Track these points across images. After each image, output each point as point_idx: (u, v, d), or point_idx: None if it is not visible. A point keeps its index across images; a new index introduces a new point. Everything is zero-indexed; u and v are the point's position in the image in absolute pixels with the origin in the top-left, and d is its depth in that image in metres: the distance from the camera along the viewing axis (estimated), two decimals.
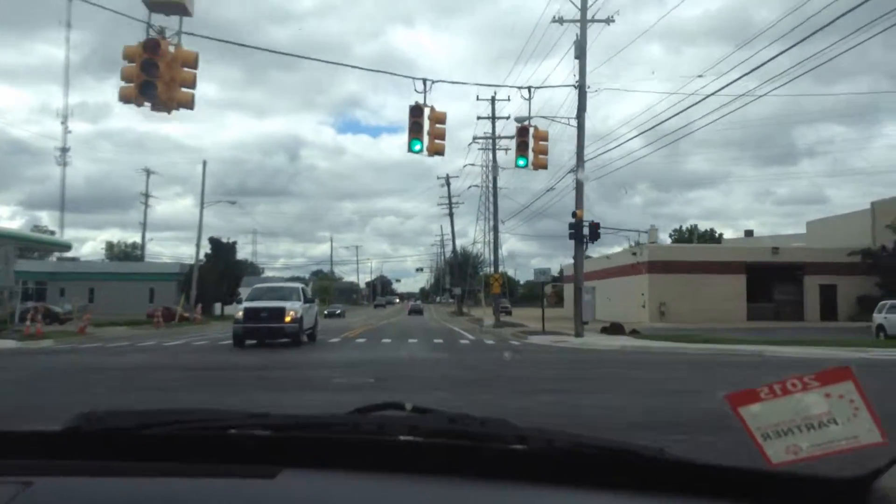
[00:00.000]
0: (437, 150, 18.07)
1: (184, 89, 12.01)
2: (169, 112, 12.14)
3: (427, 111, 17.82)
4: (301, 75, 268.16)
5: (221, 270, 63.75)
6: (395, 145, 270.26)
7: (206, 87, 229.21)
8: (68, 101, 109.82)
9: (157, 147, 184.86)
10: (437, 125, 17.94)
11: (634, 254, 46.94)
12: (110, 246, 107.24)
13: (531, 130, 20.71)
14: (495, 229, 46.27)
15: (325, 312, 60.56)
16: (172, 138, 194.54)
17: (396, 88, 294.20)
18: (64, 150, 65.48)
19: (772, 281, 44.85)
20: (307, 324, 21.42)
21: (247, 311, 20.27)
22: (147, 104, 11.98)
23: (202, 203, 51.48)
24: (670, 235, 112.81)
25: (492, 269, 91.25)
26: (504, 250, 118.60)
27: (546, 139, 20.99)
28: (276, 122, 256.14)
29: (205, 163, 53.26)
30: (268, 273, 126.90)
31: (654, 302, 43.55)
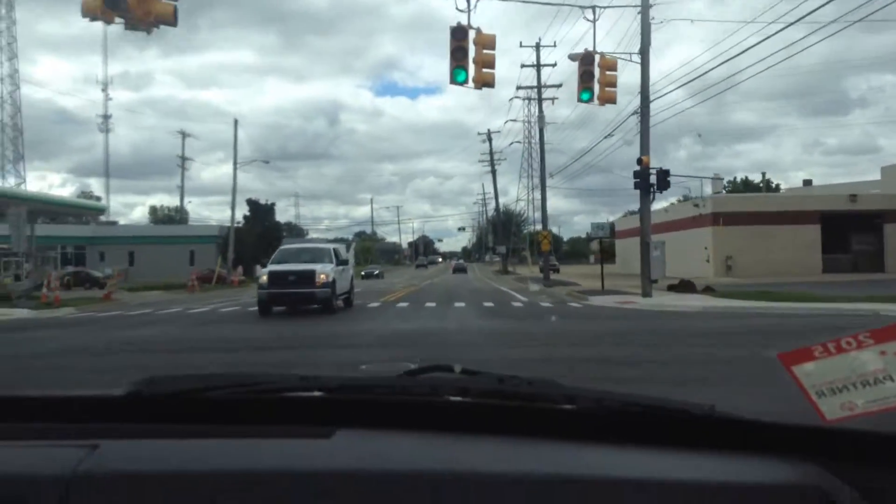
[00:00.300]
0: (485, 81, 15.24)
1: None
2: (148, 32, 9.65)
3: (472, 34, 14.94)
4: (338, 39, 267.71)
5: (260, 232, 62.28)
6: (433, 106, 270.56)
7: (243, 54, 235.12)
8: (108, 70, 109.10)
9: (199, 114, 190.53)
10: (485, 51, 15.08)
11: (697, 205, 43.53)
12: (153, 210, 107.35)
13: (597, 58, 17.62)
14: (542, 184, 43.16)
15: (363, 273, 58.81)
16: (213, 105, 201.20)
17: (433, 48, 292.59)
18: (106, 116, 64.63)
19: (848, 230, 41.05)
20: (341, 288, 19.02)
21: (272, 274, 17.81)
22: (120, 21, 9.43)
23: (235, 163, 49.63)
24: (725, 187, 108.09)
25: (536, 226, 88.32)
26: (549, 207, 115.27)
27: (614, 69, 17.95)
28: (314, 87, 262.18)
29: (236, 121, 51.44)
30: (311, 235, 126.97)
31: (719, 256, 40.20)
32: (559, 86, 44.35)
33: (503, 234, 73.38)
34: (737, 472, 1.04)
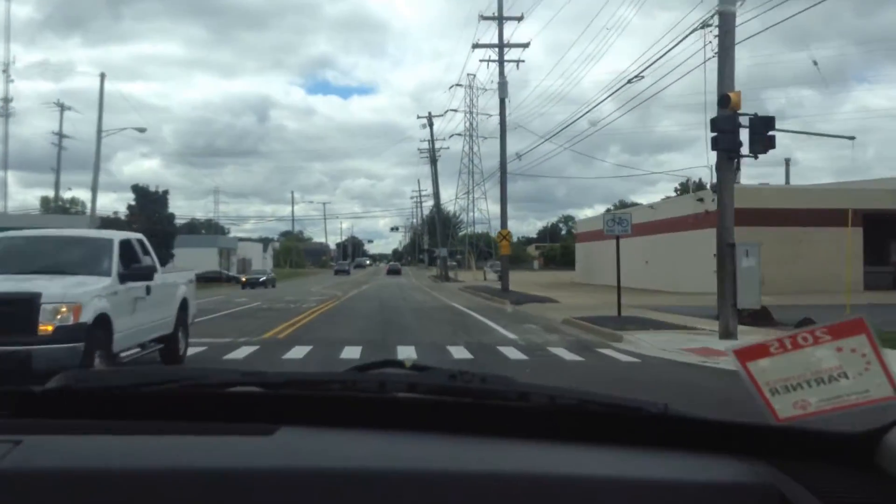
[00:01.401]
0: None
1: None
2: None
3: None
4: (270, 35, 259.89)
5: (146, 226, 50.28)
6: (366, 106, 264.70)
7: (171, 46, 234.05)
8: (9, 49, 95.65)
9: (122, 106, 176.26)
10: None
11: (701, 199, 34.34)
12: (45, 201, 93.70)
13: None
14: (503, 169, 33.29)
15: (245, 280, 48.08)
16: (137, 97, 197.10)
17: (367, 48, 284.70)
18: (6, 100, 52.28)
19: (889, 236, 32.67)
20: (137, 329, 8.30)
21: None
22: None
23: (99, 132, 37.78)
24: (676, 190, 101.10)
25: (476, 227, 78.38)
26: (480, 212, 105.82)
27: None
28: (244, 83, 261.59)
29: (103, 75, 39.63)
30: (232, 234, 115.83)
31: None
32: (527, 45, 34.29)
33: (442, 235, 63.14)
34: (690, 471, 1.04)
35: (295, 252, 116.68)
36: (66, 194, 71.23)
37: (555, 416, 1.15)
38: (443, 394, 1.18)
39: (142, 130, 44.08)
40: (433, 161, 58.13)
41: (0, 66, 50.96)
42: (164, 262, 50.19)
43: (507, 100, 33.11)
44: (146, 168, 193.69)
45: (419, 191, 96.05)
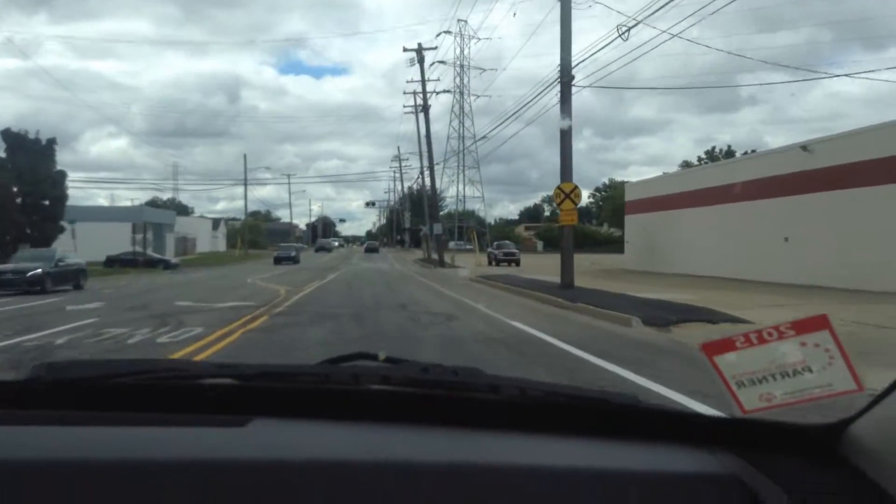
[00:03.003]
0: None
1: None
2: None
3: None
4: (242, 13, 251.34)
5: (21, 187, 35.76)
6: (339, 87, 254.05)
7: (141, 24, 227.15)
8: None
9: (91, 85, 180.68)
10: None
11: (806, 148, 21.05)
12: None
13: None
14: (566, 88, 19.55)
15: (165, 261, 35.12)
16: (106, 76, 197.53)
17: (341, 27, 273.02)
18: None
19: None
20: None
21: None
22: None
23: None
24: (699, 160, 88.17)
25: (467, 205, 64.00)
26: (472, 184, 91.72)
27: None
28: (215, 62, 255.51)
29: None
30: (196, 214, 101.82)
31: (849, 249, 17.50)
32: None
33: (432, 208, 49.06)
34: (657, 462, 1.05)
35: (256, 231, 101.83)
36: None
37: (525, 408, 1.15)
38: (415, 386, 1.18)
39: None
40: (424, 107, 43.95)
41: None
42: (47, 239, 34.03)
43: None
44: (114, 147, 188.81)
45: (399, 160, 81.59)
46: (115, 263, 41.53)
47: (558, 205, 19.68)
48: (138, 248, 40.61)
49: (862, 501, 0.96)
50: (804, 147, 21.22)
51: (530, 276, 28.26)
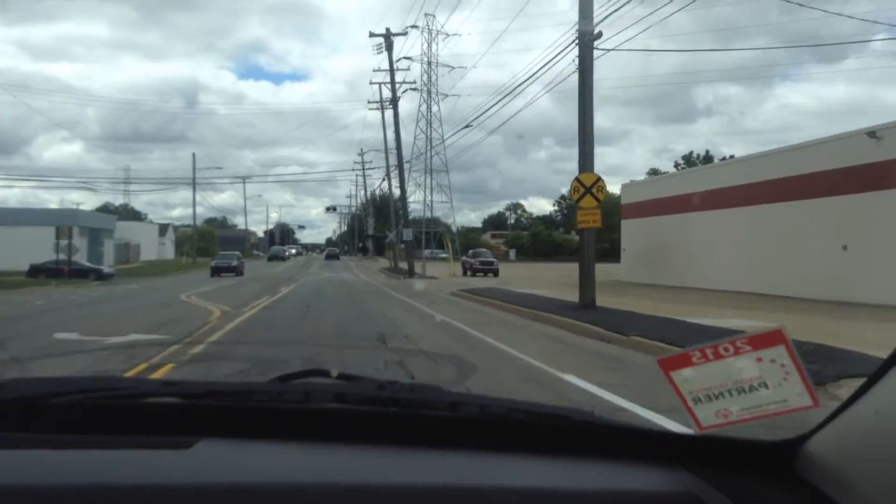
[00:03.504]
0: None
1: None
2: None
3: None
4: (201, 17, 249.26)
5: None
6: (299, 93, 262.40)
7: (97, 27, 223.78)
8: None
9: (44, 87, 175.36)
10: None
11: (874, 134, 17.22)
12: None
13: None
14: (585, 52, 15.27)
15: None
16: (60, 79, 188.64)
17: (300, 33, 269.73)
18: None
19: None
20: None
21: None
22: None
23: None
24: (676, 165, 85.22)
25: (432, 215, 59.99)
26: (441, 187, 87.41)
27: None
28: (173, 66, 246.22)
29: None
30: (150, 219, 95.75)
31: None
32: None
33: (400, 215, 44.46)
34: (616, 479, 1.04)
35: (209, 239, 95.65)
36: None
37: (485, 426, 1.12)
38: (371, 404, 1.14)
39: None
40: (393, 99, 39.44)
41: None
42: None
43: None
44: (67, 152, 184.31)
45: (362, 161, 76.64)
46: (40, 273, 36.11)
47: (577, 202, 15.35)
48: (63, 256, 35.08)
49: None
50: (871, 133, 17.29)
51: (522, 289, 23.90)
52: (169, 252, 77.80)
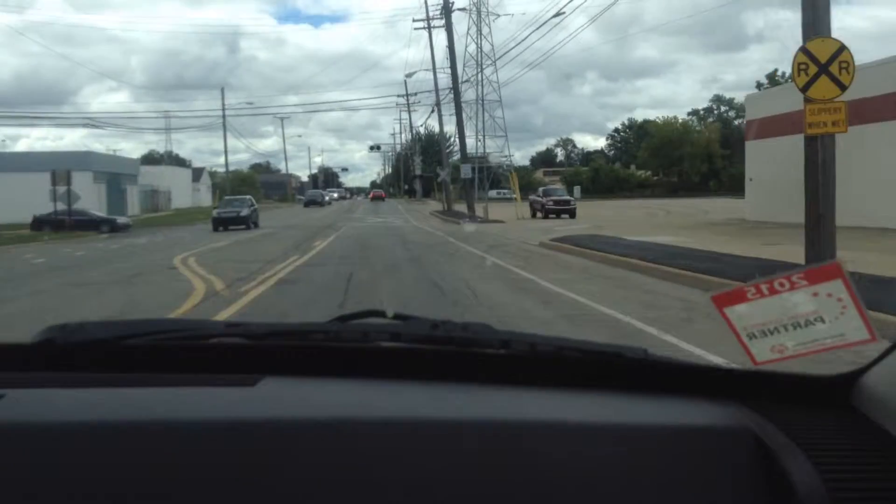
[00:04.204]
0: None
1: None
2: None
3: None
4: None
5: None
6: (339, 36, 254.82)
7: None
8: None
9: (88, 39, 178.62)
10: None
11: None
12: None
13: None
14: None
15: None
16: (103, 30, 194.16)
17: None
18: None
19: None
20: None
21: None
22: None
23: None
24: (758, 85, 76.37)
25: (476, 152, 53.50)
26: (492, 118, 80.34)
27: None
28: (212, 11, 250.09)
29: None
30: (196, 165, 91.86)
31: None
32: None
33: (457, 148, 37.92)
34: (668, 415, 1.05)
35: (249, 183, 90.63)
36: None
37: (537, 363, 1.16)
38: (426, 342, 1.18)
39: None
40: (446, 8, 32.53)
41: None
42: None
43: None
44: (114, 101, 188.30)
45: (407, 98, 69.77)
46: (44, 226, 31.19)
47: (804, 88, 8.91)
48: (63, 206, 29.91)
49: (875, 451, 0.93)
50: None
51: (634, 236, 17.57)
52: (205, 198, 72.83)
